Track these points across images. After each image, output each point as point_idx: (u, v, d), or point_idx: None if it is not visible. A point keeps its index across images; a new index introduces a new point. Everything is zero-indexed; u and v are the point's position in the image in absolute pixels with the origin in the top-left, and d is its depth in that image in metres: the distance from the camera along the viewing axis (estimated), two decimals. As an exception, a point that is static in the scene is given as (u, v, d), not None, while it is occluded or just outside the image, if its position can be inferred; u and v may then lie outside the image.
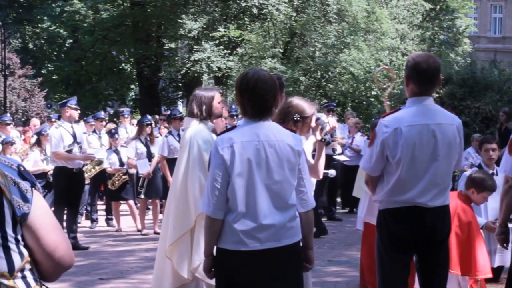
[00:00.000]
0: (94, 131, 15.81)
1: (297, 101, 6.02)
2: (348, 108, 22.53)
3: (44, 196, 12.61)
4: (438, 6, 31.64)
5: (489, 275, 7.10)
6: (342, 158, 15.08)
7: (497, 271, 8.13)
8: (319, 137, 6.00)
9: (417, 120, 5.45)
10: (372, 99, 23.41)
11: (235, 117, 15.08)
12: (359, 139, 16.08)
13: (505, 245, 6.17)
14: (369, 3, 24.46)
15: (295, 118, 5.84)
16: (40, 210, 2.86)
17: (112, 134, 14.34)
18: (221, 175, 4.72)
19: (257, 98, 4.83)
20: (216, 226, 4.77)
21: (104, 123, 16.35)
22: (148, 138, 14.01)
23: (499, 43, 50.15)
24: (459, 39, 33.47)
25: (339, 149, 14.84)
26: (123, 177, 13.87)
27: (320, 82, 24.07)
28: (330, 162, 14.97)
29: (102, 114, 17.08)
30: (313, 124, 5.96)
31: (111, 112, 37.48)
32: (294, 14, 24.51)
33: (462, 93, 19.77)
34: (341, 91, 23.80)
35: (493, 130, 16.56)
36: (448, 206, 5.70)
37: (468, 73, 21.04)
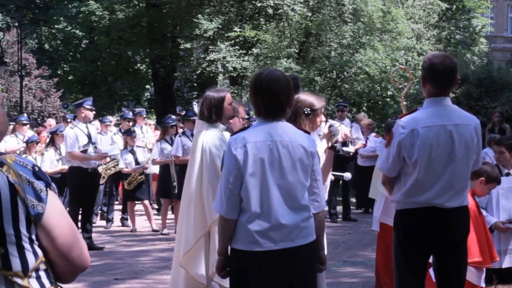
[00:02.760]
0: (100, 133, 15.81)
1: (304, 96, 6.01)
2: (364, 108, 22.49)
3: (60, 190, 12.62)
4: (454, 6, 31.59)
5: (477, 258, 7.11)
6: (348, 149, 14.95)
7: (508, 272, 8.10)
8: (329, 144, 6.02)
9: (434, 121, 5.42)
10: (388, 99, 23.38)
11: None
12: (373, 140, 16.00)
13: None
14: (385, 3, 24.43)
15: (306, 112, 5.83)
16: (55, 210, 2.86)
17: (130, 132, 14.36)
18: (234, 175, 4.72)
19: (271, 98, 4.82)
20: (230, 226, 4.77)
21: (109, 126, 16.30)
22: (173, 139, 13.97)
23: (516, 42, 49.99)
24: (475, 39, 33.38)
25: (351, 148, 14.84)
26: (139, 177, 13.90)
27: (336, 82, 24.04)
28: (346, 164, 14.97)
29: (108, 118, 17.00)
30: (325, 130, 5.97)
31: (127, 111, 37.60)
32: (310, 14, 24.50)
33: (479, 93, 19.72)
34: (356, 91, 23.77)
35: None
36: (467, 207, 5.67)
37: (484, 73, 20.99)
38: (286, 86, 4.88)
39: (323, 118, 5.93)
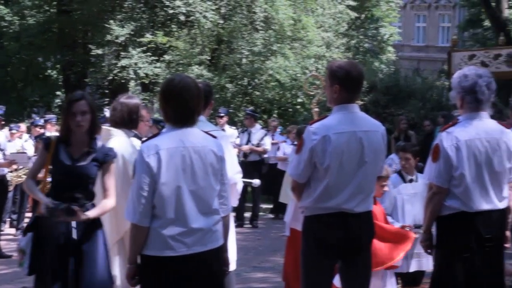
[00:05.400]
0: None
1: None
2: (275, 115, 22.69)
3: None
4: (363, 15, 32.12)
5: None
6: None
7: (416, 276, 8.32)
8: None
9: (345, 127, 5.55)
10: (298, 107, 23.61)
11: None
12: (287, 147, 16.19)
13: (429, 251, 6.33)
14: (295, 11, 24.66)
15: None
16: None
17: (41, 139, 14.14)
18: (147, 183, 4.74)
19: (182, 105, 4.88)
20: (142, 234, 4.80)
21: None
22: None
23: (423, 51, 50.96)
24: (383, 48, 34.07)
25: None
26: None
27: (247, 89, 24.19)
28: (255, 169, 15.12)
29: (16, 126, 16.70)
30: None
31: (37, 118, 36.92)
32: (221, 21, 24.58)
33: (386, 101, 20.14)
34: (267, 98, 23.95)
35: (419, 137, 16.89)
36: (372, 212, 5.85)
37: (392, 81, 21.45)
38: (197, 93, 4.95)
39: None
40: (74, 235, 5.79)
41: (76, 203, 5.79)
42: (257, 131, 15.92)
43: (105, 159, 5.99)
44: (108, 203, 5.99)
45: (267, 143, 15.95)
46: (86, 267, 5.79)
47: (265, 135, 16.02)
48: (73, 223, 5.79)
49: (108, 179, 6.02)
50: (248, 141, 15.63)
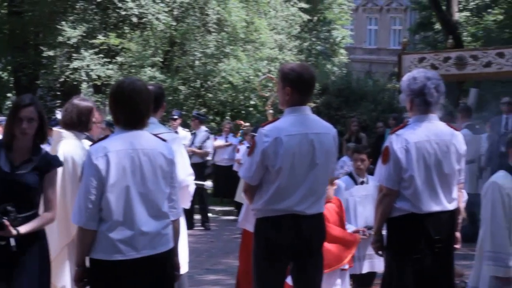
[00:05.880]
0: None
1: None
2: (227, 117, 22.69)
3: None
4: (315, 18, 32.25)
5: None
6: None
7: (367, 277, 8.38)
8: None
9: (297, 129, 5.58)
10: (251, 109, 23.64)
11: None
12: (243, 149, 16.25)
13: (379, 252, 6.38)
14: (248, 14, 24.68)
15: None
16: None
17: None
18: (95, 185, 4.72)
19: (132, 108, 4.87)
20: (89, 236, 4.77)
21: None
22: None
23: (374, 54, 51.32)
24: (335, 50, 34.25)
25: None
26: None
27: (200, 92, 24.14)
28: (197, 171, 15.15)
29: None
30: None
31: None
32: (174, 23, 24.49)
33: (338, 103, 20.29)
34: (220, 101, 23.93)
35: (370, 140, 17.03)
36: (323, 214, 5.89)
37: (344, 83, 21.62)
38: (147, 96, 4.94)
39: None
40: (14, 247, 5.41)
41: (7, 216, 5.32)
42: (201, 133, 15.97)
43: (48, 168, 5.61)
44: (48, 216, 5.63)
45: (209, 145, 15.97)
46: (19, 281, 5.47)
47: (208, 138, 16.03)
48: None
49: (50, 190, 5.63)
50: (192, 143, 15.67)
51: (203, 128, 16.29)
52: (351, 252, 7.59)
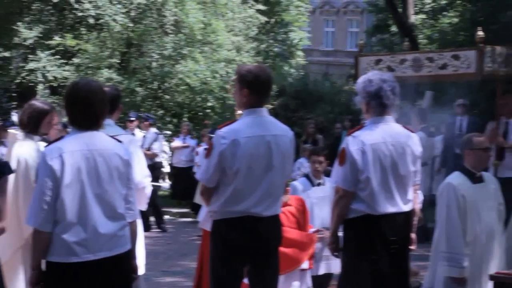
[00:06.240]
0: None
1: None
2: (185, 119, 22.65)
3: None
4: (273, 19, 32.31)
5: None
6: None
7: (324, 278, 8.41)
8: None
9: (254, 131, 5.57)
10: (208, 110, 23.62)
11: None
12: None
13: (336, 254, 6.42)
14: (205, 15, 24.65)
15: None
16: None
17: None
18: (50, 187, 4.68)
19: (87, 108, 4.85)
20: (44, 239, 4.72)
21: None
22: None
23: (331, 56, 51.55)
24: (293, 52, 34.33)
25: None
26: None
27: (157, 93, 24.06)
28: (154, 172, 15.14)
29: None
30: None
31: None
32: (131, 24, 24.38)
33: (295, 105, 20.37)
34: (177, 102, 23.87)
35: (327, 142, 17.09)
36: (279, 215, 5.90)
37: (301, 85, 21.71)
38: (102, 97, 4.92)
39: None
40: None
41: None
42: (150, 135, 15.95)
43: None
44: None
45: (156, 147, 15.94)
46: None
47: (155, 139, 16.00)
48: None
49: (0, 199, 5.14)
50: (142, 145, 15.65)
51: (152, 130, 16.25)
52: (308, 254, 7.62)
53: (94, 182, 4.77)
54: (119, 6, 23.85)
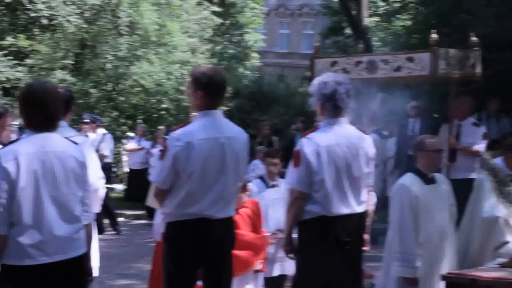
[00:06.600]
0: None
1: None
2: (139, 121, 22.56)
3: None
4: (228, 21, 32.28)
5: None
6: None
7: (278, 280, 8.43)
8: None
9: (208, 133, 5.58)
10: (163, 112, 23.54)
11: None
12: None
13: (290, 255, 6.44)
14: (160, 17, 24.55)
15: None
16: None
17: None
18: (5, 189, 4.63)
19: (43, 110, 4.82)
20: (0, 242, 4.66)
21: None
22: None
23: (286, 58, 51.70)
24: (248, 54, 34.35)
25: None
26: None
27: (111, 95, 23.92)
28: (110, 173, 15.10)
29: None
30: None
31: None
32: (85, 25, 24.19)
33: (250, 106, 20.39)
34: (132, 104, 23.77)
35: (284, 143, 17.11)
36: (233, 217, 5.91)
37: (256, 87, 21.73)
38: (57, 98, 4.90)
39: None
40: None
41: None
42: (98, 137, 15.88)
43: None
44: None
45: (103, 148, 15.87)
46: None
47: (101, 141, 15.93)
48: None
49: None
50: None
51: (100, 131, 16.16)
52: (260, 257, 7.64)
53: (50, 184, 4.73)
54: (73, 6, 23.66)
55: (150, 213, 16.55)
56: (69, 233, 4.79)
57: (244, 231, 7.43)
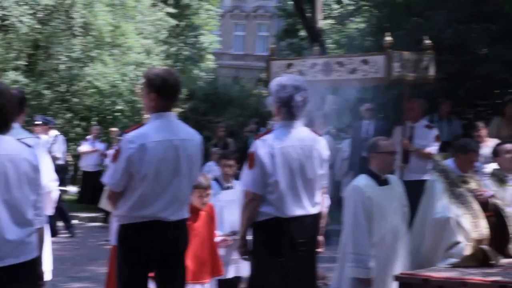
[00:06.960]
0: None
1: None
2: (93, 122, 22.42)
3: None
4: (183, 23, 32.23)
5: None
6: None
7: (233, 282, 8.44)
8: None
9: (162, 135, 5.57)
10: (118, 114, 23.42)
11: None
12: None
13: (245, 257, 6.45)
14: (114, 18, 24.43)
15: None
16: None
17: None
18: None
19: None
20: None
21: None
22: None
23: (241, 60, 51.73)
24: (203, 55, 34.33)
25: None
26: None
27: (65, 96, 23.74)
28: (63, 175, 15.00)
29: None
30: None
31: None
32: (39, 26, 23.99)
33: (205, 108, 20.35)
34: (86, 105, 23.62)
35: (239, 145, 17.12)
36: (186, 220, 5.91)
37: (211, 88, 21.70)
38: (10, 99, 4.81)
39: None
40: None
41: None
42: (51, 138, 15.77)
43: None
44: None
45: (55, 150, 15.76)
46: None
47: (54, 143, 15.83)
48: None
49: None
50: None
51: (53, 132, 16.05)
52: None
53: (2, 188, 4.66)
54: (26, 7, 23.42)
55: (104, 215, 16.51)
56: (21, 237, 4.73)
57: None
